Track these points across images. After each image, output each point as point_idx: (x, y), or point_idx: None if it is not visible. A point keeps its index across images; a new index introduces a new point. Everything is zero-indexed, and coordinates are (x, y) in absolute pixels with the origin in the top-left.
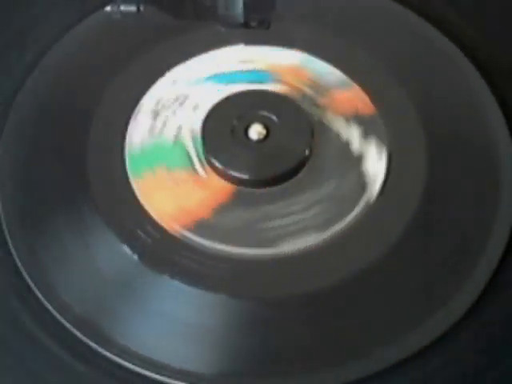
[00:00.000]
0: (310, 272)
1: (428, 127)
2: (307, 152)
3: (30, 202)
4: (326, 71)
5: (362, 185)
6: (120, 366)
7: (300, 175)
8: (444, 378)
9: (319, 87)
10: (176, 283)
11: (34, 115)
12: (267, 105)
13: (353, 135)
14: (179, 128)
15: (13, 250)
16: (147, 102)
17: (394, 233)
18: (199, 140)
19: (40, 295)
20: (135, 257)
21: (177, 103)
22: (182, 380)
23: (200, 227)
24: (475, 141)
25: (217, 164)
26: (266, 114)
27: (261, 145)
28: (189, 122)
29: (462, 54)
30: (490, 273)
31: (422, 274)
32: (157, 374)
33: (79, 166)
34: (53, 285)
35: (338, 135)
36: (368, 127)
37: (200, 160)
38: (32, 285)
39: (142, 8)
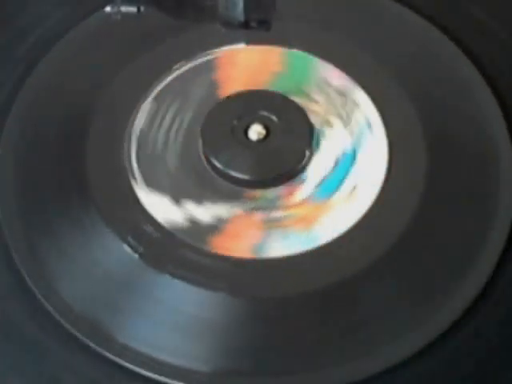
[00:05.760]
0: (310, 272)
1: (428, 127)
2: (307, 152)
3: (30, 202)
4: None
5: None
6: (120, 366)
7: (300, 175)
8: (444, 378)
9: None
10: (177, 282)
11: (34, 115)
12: (267, 105)
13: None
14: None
15: (12, 250)
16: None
17: (394, 233)
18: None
19: (40, 295)
20: (136, 256)
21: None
22: (182, 379)
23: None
24: (475, 141)
25: (217, 164)
26: (265, 114)
27: (261, 145)
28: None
29: (462, 54)
30: (489, 272)
31: (422, 274)
32: (157, 373)
33: (79, 166)
34: (53, 285)
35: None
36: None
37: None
38: (32, 285)
39: (142, 8)
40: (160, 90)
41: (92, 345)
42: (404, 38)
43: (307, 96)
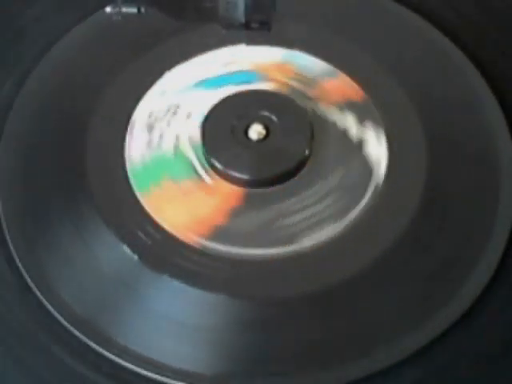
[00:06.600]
0: (310, 272)
1: (428, 127)
2: (307, 152)
3: (30, 201)
4: (326, 71)
5: (361, 185)
6: (120, 366)
7: (299, 176)
8: (444, 378)
9: (319, 87)
10: (176, 283)
11: (34, 115)
12: (267, 105)
13: (353, 136)
14: (181, 127)
15: (13, 250)
16: (147, 102)
17: (394, 233)
18: (199, 144)
19: (40, 295)
20: (135, 257)
21: (177, 103)
22: (181, 380)
23: (199, 227)
24: (475, 141)
25: (217, 164)
26: (265, 113)
27: (261, 145)
28: (190, 122)
29: (462, 54)
30: (489, 273)
31: (422, 273)
32: (157, 374)
33: (79, 166)
34: (53, 285)
35: (338, 136)
36: (368, 127)
37: (200, 160)
38: (32, 285)
39: (142, 9)
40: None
41: (91, 345)
42: (404, 38)
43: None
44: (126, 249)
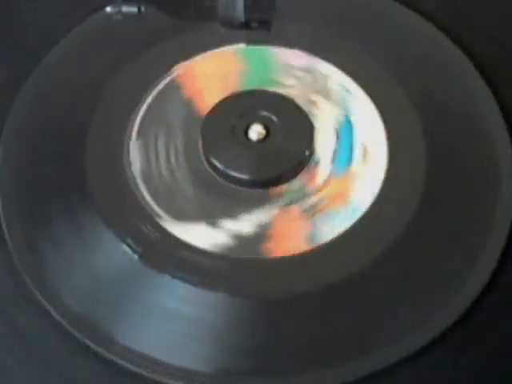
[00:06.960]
0: (310, 272)
1: (428, 128)
2: (307, 153)
3: (29, 202)
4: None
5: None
6: (120, 366)
7: (300, 176)
8: (444, 377)
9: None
10: (176, 282)
11: (34, 115)
12: (267, 105)
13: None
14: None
15: (13, 250)
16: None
17: (394, 233)
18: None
19: (40, 295)
20: (135, 256)
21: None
22: (181, 379)
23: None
24: (475, 141)
25: (217, 164)
26: (266, 114)
27: (261, 145)
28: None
29: (462, 55)
30: (489, 273)
31: (422, 274)
32: (157, 373)
33: (79, 166)
34: (52, 285)
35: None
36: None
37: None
38: (32, 285)
39: (142, 9)
40: (160, 90)
41: (92, 345)
42: (404, 38)
43: (307, 96)
44: (126, 248)
